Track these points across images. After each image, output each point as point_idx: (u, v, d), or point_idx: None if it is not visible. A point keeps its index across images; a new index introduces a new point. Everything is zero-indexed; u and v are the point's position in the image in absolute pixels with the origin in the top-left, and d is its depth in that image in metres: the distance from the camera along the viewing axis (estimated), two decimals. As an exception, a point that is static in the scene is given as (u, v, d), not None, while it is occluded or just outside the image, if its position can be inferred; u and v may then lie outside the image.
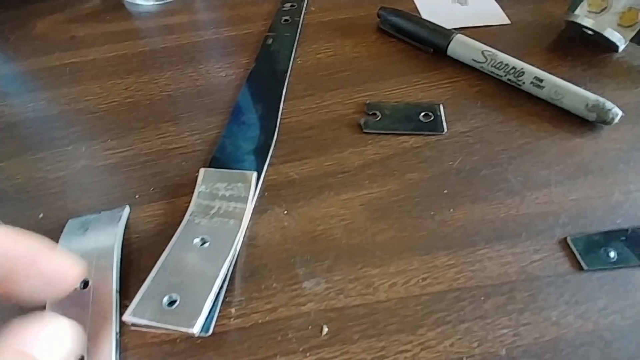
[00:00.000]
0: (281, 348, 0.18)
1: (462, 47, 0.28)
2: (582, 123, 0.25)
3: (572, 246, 0.20)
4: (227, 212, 0.20)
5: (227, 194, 0.21)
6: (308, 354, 0.18)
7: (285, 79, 0.28)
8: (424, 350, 0.18)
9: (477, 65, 0.27)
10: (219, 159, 0.24)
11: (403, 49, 0.30)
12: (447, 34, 0.28)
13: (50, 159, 0.26)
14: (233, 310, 0.19)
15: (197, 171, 0.23)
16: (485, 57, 0.27)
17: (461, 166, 0.23)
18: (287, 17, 0.33)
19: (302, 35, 0.32)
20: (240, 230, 0.20)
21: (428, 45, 0.29)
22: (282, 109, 0.26)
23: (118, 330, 0.18)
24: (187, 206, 0.23)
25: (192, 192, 0.23)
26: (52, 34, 0.34)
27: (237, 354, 0.18)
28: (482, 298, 0.19)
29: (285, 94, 0.27)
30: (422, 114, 0.25)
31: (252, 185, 0.21)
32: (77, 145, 0.26)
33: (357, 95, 0.27)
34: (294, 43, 0.31)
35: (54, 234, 0.21)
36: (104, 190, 0.24)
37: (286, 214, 0.22)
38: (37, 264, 0.14)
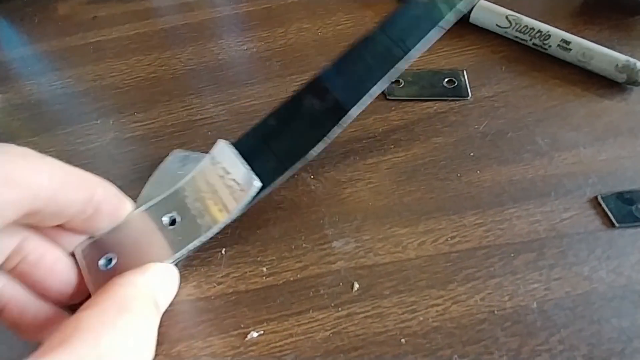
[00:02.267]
0: (314, 303, 0.18)
1: (486, 13, 0.27)
2: (611, 85, 0.24)
3: (602, 204, 0.20)
4: (208, 205, 0.18)
5: (226, 184, 0.18)
6: (340, 309, 0.18)
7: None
8: (454, 304, 0.18)
9: (500, 31, 0.27)
10: (247, 140, 0.20)
11: (424, 18, 0.30)
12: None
13: (80, 132, 0.26)
14: (265, 269, 0.19)
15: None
16: (509, 21, 0.26)
17: (487, 129, 0.23)
18: None
19: (319, 8, 0.32)
20: (203, 235, 0.18)
21: (449, 13, 0.29)
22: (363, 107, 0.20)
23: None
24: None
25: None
26: (75, 15, 0.35)
27: (271, 309, 0.18)
28: (512, 255, 0.19)
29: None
30: (446, 80, 0.25)
31: (246, 198, 0.18)
32: (105, 119, 0.27)
33: (379, 64, 0.27)
34: None
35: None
36: (134, 160, 0.24)
37: (312, 178, 0.22)
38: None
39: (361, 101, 0.19)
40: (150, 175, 0.23)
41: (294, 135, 0.19)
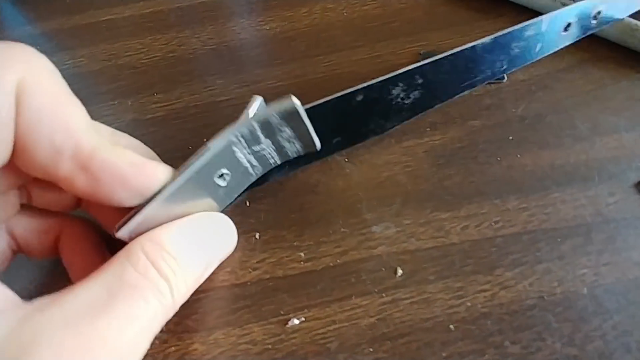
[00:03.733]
0: (356, 289, 0.18)
1: (518, -7, 0.26)
2: (649, 69, 0.24)
3: (648, 189, 0.19)
4: (263, 157, 0.18)
5: (284, 139, 0.18)
6: (384, 295, 0.17)
7: None
8: (503, 289, 0.17)
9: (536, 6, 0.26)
10: (326, 108, 0.18)
11: None
12: (501, -19, 0.27)
13: (97, 113, 0.25)
14: (302, 254, 0.19)
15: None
16: None
17: (525, 113, 0.23)
18: None
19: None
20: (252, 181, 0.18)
21: (480, -6, 0.28)
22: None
23: None
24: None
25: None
26: (83, -7, 0.33)
27: (311, 295, 0.18)
28: (559, 240, 0.18)
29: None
30: (480, 62, 0.25)
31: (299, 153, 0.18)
32: (123, 100, 0.26)
33: (410, 45, 0.26)
34: None
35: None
36: (157, 141, 0.23)
37: (347, 161, 0.21)
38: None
39: (445, 101, 0.20)
40: (173, 157, 0.22)
41: (370, 117, 0.20)
